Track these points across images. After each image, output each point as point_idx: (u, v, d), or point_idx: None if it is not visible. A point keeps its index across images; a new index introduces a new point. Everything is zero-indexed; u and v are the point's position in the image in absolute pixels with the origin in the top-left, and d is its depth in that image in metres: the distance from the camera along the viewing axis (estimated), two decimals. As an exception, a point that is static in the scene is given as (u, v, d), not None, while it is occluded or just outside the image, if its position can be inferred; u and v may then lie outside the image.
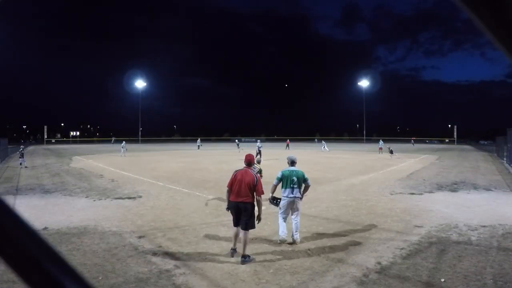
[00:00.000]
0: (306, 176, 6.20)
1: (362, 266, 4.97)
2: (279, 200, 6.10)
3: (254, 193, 5.26)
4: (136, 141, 76.65)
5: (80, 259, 5.26)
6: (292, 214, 6.13)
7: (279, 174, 6.17)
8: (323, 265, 5.07)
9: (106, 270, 4.84)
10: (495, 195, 10.71)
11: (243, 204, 5.19)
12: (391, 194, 10.76)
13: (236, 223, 5.30)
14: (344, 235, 6.49)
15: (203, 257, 5.39)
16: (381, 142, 34.45)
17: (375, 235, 6.54)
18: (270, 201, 6.22)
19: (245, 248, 5.11)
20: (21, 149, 22.04)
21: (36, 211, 8.53)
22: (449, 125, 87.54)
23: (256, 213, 5.33)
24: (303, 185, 6.20)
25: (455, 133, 69.45)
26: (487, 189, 11.90)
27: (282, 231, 5.99)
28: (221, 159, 25.30)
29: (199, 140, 44.25)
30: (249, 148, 41.87)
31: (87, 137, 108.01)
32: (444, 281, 4.46)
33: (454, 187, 12.30)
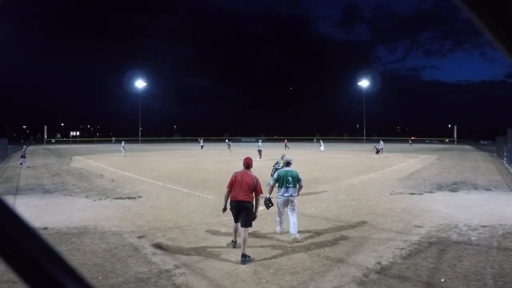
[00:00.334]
0: (299, 176, 6.52)
1: (362, 266, 4.97)
2: (271, 204, 6.31)
3: (253, 193, 5.57)
4: (136, 141, 76.68)
5: (80, 259, 5.26)
6: (289, 213, 6.32)
7: (275, 175, 6.55)
8: (323, 265, 5.07)
9: (106, 270, 4.84)
10: (495, 195, 10.71)
11: (243, 203, 5.42)
12: (391, 194, 10.76)
13: (236, 220, 5.61)
14: (344, 235, 6.49)
15: (203, 257, 5.39)
16: (381, 142, 34.46)
17: (375, 235, 6.54)
18: (264, 204, 6.27)
19: (244, 246, 5.22)
20: (24, 150, 22.18)
21: (36, 211, 8.53)
22: (449, 125, 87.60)
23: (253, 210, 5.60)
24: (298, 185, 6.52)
25: (455, 133, 69.46)
26: (487, 189, 11.90)
27: (280, 227, 6.39)
28: (221, 159, 25.30)
29: (202, 140, 43.02)
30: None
31: (87, 137, 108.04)
32: (444, 281, 4.46)
33: (454, 187, 12.30)
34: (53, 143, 74.34)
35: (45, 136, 72.14)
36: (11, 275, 3.36)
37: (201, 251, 5.64)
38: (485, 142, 54.16)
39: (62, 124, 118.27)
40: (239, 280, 4.58)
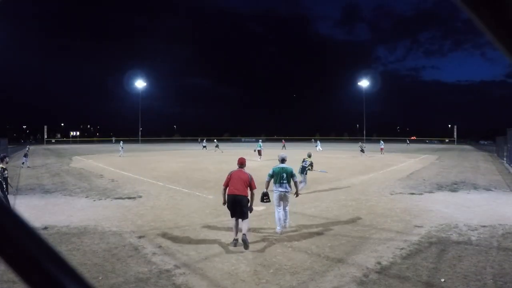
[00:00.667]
0: (294, 172, 6.89)
1: (362, 266, 4.97)
2: (267, 198, 6.66)
3: (248, 189, 6.03)
4: (136, 141, 76.66)
5: (80, 259, 5.26)
6: (283, 205, 6.76)
7: (270, 171, 6.87)
8: (323, 265, 5.07)
9: (106, 270, 4.84)
10: (495, 195, 10.71)
11: (239, 197, 5.92)
12: (391, 194, 10.76)
13: (232, 215, 5.98)
14: (344, 235, 6.49)
15: (203, 257, 5.39)
16: (381, 142, 34.47)
17: (375, 235, 6.54)
18: (261, 199, 6.64)
19: (246, 230, 5.80)
20: (27, 149, 22.40)
21: (36, 211, 8.52)
22: (449, 125, 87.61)
23: (249, 204, 6.05)
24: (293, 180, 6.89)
25: (455, 133, 69.47)
26: (487, 189, 11.90)
27: (279, 219, 6.64)
28: (221, 159, 25.30)
29: (205, 141, 42.08)
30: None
31: (87, 137, 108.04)
32: (444, 281, 4.46)
33: (454, 187, 12.30)
34: (53, 143, 74.34)
35: (45, 136, 72.13)
36: (11, 275, 3.36)
37: (201, 251, 5.64)
38: (485, 142, 54.20)
39: (62, 124, 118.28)
40: (239, 280, 4.58)
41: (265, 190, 6.72)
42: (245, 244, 5.66)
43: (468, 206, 9.05)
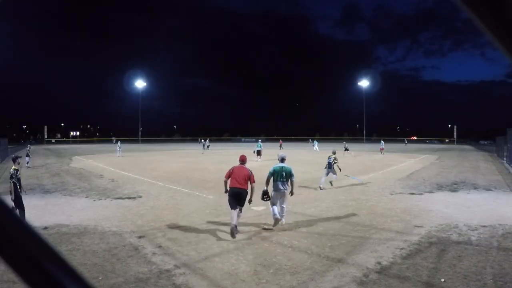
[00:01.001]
0: (292, 172, 7.14)
1: (362, 266, 4.97)
2: (267, 197, 7.01)
3: (249, 183, 6.62)
4: (136, 141, 76.67)
5: (80, 259, 5.26)
6: (280, 202, 7.11)
7: (271, 170, 7.17)
8: (323, 265, 5.07)
9: (106, 270, 4.84)
10: (495, 195, 10.71)
11: (240, 190, 6.55)
12: (391, 194, 10.76)
13: (233, 206, 6.46)
14: (344, 235, 6.49)
15: (203, 257, 5.39)
16: (382, 142, 34.50)
17: (375, 235, 6.54)
18: (261, 197, 7.00)
19: (238, 220, 6.53)
20: (28, 148, 22.45)
21: (36, 211, 8.52)
22: (449, 125, 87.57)
23: (248, 197, 6.61)
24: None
25: (455, 133, 69.47)
26: (487, 189, 11.90)
27: (274, 213, 6.87)
28: (221, 159, 25.29)
29: (207, 141, 42.27)
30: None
31: (87, 137, 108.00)
32: (444, 281, 4.46)
33: (454, 187, 12.30)
34: (53, 143, 74.36)
35: (45, 136, 72.13)
36: (11, 275, 3.36)
37: (201, 251, 5.64)
38: (485, 142, 54.19)
39: (62, 124, 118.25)
40: (239, 280, 4.58)
41: (265, 188, 7.01)
42: (233, 233, 6.24)
43: (468, 206, 9.05)
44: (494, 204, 9.35)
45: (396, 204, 9.32)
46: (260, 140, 30.50)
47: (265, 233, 6.63)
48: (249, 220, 7.55)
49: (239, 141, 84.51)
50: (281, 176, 7.00)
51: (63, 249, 5.67)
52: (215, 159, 26.08)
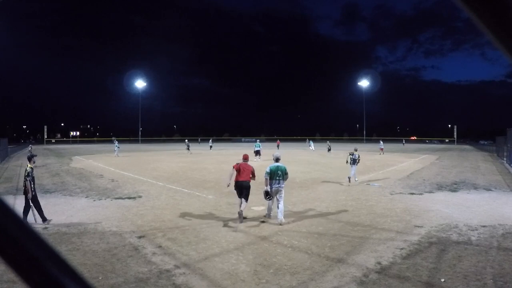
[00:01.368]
0: (287, 170, 7.74)
1: (362, 266, 4.97)
2: (269, 197, 7.59)
3: (251, 176, 7.74)
4: (136, 141, 76.66)
5: (80, 259, 5.26)
6: (277, 200, 7.49)
7: (267, 169, 7.64)
8: (323, 265, 5.07)
9: (106, 270, 4.83)
10: (495, 195, 10.71)
11: (245, 183, 7.62)
12: (391, 194, 10.76)
13: (239, 196, 7.60)
14: (344, 235, 6.49)
15: (203, 257, 5.39)
16: (381, 142, 34.52)
17: (375, 235, 6.54)
18: (264, 197, 7.65)
19: (244, 207, 7.54)
20: (30, 149, 22.49)
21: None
22: (449, 125, 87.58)
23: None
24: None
25: (455, 133, 69.44)
26: (487, 189, 11.89)
27: (269, 208, 7.68)
28: (221, 159, 25.29)
29: (211, 140, 42.72)
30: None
31: (87, 137, 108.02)
32: (444, 281, 4.45)
33: (454, 187, 12.30)
34: (53, 143, 74.36)
35: (45, 136, 72.10)
36: (11, 275, 3.36)
37: (201, 251, 5.64)
38: (485, 142, 54.16)
39: (62, 124, 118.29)
40: (239, 280, 4.58)
41: (266, 188, 7.55)
42: (240, 217, 7.33)
43: (468, 206, 9.04)
44: (494, 204, 9.35)
45: (396, 204, 9.32)
46: (258, 140, 30.54)
47: (265, 233, 6.63)
48: (249, 220, 7.56)
49: (239, 141, 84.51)
50: (277, 175, 7.54)
51: (63, 249, 5.67)
52: (215, 159, 26.08)
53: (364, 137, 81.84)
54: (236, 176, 7.74)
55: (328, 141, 35.75)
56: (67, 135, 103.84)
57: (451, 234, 6.50)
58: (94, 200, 9.96)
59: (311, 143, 40.12)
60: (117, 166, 20.13)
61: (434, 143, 71.87)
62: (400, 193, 11.01)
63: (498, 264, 5.00)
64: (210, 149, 39.79)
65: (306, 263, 5.12)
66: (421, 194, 10.87)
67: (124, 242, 6.09)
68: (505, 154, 23.57)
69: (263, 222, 7.45)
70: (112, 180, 14.08)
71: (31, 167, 7.56)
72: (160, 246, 5.86)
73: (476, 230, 6.76)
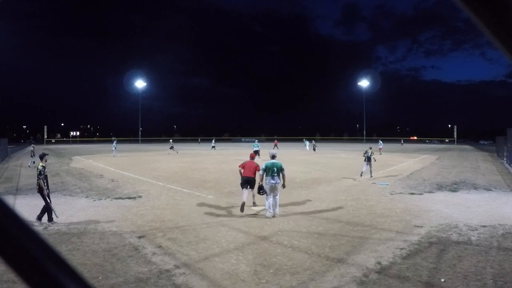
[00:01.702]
0: (283, 167, 8.12)
1: (362, 266, 4.97)
2: (262, 191, 8.04)
3: (255, 172, 8.54)
4: (136, 141, 76.65)
5: (80, 259, 5.26)
6: (274, 194, 7.87)
7: (263, 166, 8.12)
8: (323, 265, 5.07)
9: (106, 270, 4.83)
10: (495, 195, 10.71)
11: (250, 178, 8.47)
12: (391, 194, 10.76)
13: (244, 187, 8.41)
14: (344, 235, 6.49)
15: (203, 257, 5.39)
16: (380, 142, 34.53)
17: (375, 235, 6.54)
18: (258, 191, 8.18)
19: (253, 198, 8.72)
20: (32, 148, 22.57)
21: (36, 211, 8.51)
22: (449, 125, 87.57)
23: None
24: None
25: (455, 133, 69.42)
26: (487, 189, 11.89)
27: (269, 206, 7.82)
28: (221, 159, 25.28)
29: (213, 141, 42.78)
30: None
31: (87, 137, 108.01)
32: (444, 281, 4.45)
33: (454, 187, 12.30)
34: (53, 143, 74.34)
35: (45, 136, 72.09)
36: (11, 275, 3.36)
37: (201, 251, 5.64)
38: (485, 142, 54.16)
39: (62, 124, 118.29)
40: (239, 280, 4.58)
41: (260, 183, 8.16)
42: (242, 208, 8.05)
43: (468, 206, 9.04)
44: (494, 204, 9.35)
45: (396, 204, 9.32)
46: (256, 140, 30.59)
47: (265, 233, 6.63)
48: (249, 220, 7.56)
49: (239, 141, 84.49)
50: (272, 171, 7.92)
51: (63, 249, 5.67)
52: (215, 159, 26.07)
53: (364, 137, 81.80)
54: (244, 172, 8.63)
55: (313, 141, 39.10)
56: (67, 135, 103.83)
57: (451, 234, 6.50)
58: (94, 200, 9.96)
59: (307, 142, 40.86)
60: (117, 166, 20.13)
61: (434, 143, 71.87)
62: (400, 193, 11.01)
63: (498, 264, 5.00)
64: (213, 149, 39.34)
65: (306, 263, 5.12)
66: (421, 194, 10.86)
67: (124, 242, 6.09)
68: (505, 154, 23.57)
69: (261, 216, 7.79)
70: (112, 180, 14.08)
71: (42, 166, 7.67)
72: (160, 246, 5.86)
73: (476, 230, 6.76)
